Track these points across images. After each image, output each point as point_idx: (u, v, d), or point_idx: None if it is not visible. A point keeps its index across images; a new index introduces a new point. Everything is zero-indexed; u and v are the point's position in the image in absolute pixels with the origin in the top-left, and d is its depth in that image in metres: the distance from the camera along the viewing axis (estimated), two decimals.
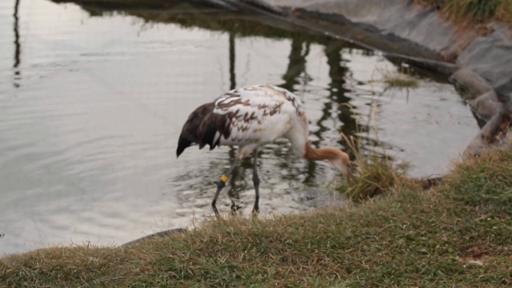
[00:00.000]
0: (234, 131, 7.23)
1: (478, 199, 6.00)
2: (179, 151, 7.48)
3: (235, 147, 8.07)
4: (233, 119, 7.21)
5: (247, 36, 13.47)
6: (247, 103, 7.24)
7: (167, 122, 9.12)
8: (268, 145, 8.69)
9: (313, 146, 7.68)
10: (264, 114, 7.23)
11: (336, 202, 6.80)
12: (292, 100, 7.33)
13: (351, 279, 4.96)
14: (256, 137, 7.28)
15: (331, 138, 9.20)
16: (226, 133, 7.23)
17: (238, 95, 7.32)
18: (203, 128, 7.25)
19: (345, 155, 7.44)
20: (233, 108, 7.23)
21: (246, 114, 7.22)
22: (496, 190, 6.09)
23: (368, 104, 10.16)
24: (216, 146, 7.35)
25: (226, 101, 7.28)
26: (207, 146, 7.39)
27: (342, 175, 7.63)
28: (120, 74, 11.05)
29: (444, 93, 10.70)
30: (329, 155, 7.50)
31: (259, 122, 7.22)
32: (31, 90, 10.33)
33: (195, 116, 7.35)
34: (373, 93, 10.40)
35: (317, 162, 8.26)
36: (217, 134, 7.25)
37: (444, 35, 12.10)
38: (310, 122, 8.61)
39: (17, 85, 10.60)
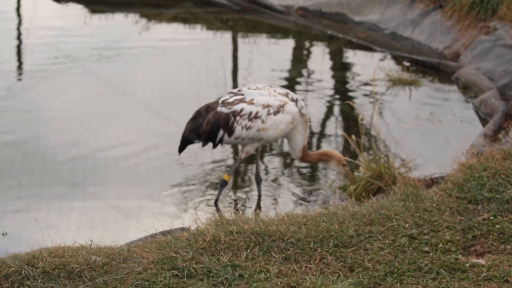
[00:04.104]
0: (238, 130, 7.23)
1: (481, 198, 6.00)
2: (181, 148, 7.49)
3: (238, 146, 8.08)
4: (237, 117, 7.22)
5: (250, 35, 13.47)
6: (251, 102, 7.25)
7: (170, 120, 9.13)
8: (270, 144, 8.70)
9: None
10: (268, 113, 7.23)
11: (339, 201, 6.81)
12: (295, 101, 7.34)
13: (354, 278, 4.96)
14: (259, 137, 7.28)
15: (334, 137, 9.20)
16: (230, 131, 7.24)
17: (242, 94, 7.32)
18: (207, 126, 7.26)
19: (339, 155, 7.47)
20: (237, 107, 7.24)
21: (250, 113, 7.23)
22: (498, 189, 6.10)
23: (371, 102, 10.15)
24: (219, 145, 7.36)
25: (230, 100, 7.29)
26: (210, 144, 7.39)
27: (340, 174, 7.64)
28: (122, 73, 11.06)
29: (446, 92, 10.69)
30: (324, 158, 7.53)
31: (263, 122, 7.23)
32: (33, 89, 10.33)
33: (199, 115, 7.36)
34: (376, 92, 10.40)
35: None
36: (221, 132, 7.26)
37: (447, 34, 12.09)
38: (311, 123, 8.60)
39: (19, 84, 10.61)
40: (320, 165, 8.27)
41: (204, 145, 7.43)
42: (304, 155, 7.50)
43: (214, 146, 7.37)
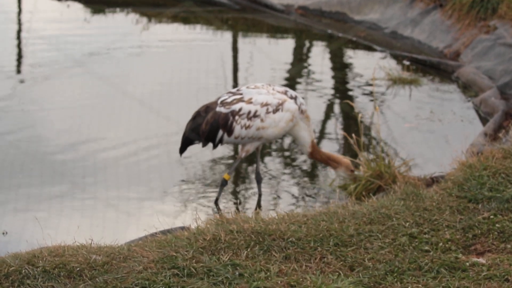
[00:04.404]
0: (237, 129, 7.24)
1: (481, 197, 6.00)
2: (182, 149, 7.50)
3: (238, 145, 8.08)
4: (236, 117, 7.22)
5: (250, 34, 13.47)
6: (249, 101, 7.25)
7: (170, 120, 9.13)
8: (270, 143, 8.69)
9: None
10: (267, 112, 7.23)
11: (339, 200, 6.81)
12: (294, 98, 7.34)
13: (354, 277, 4.96)
14: (259, 135, 7.28)
15: (334, 136, 9.19)
16: (229, 131, 7.24)
17: (241, 94, 7.33)
18: (206, 126, 7.27)
19: (348, 162, 7.46)
20: (236, 106, 7.24)
21: (249, 112, 7.23)
22: (499, 188, 6.10)
23: (371, 101, 10.15)
24: (219, 145, 7.36)
25: (229, 100, 7.30)
26: (210, 144, 7.39)
27: (347, 179, 7.63)
28: (122, 72, 11.06)
29: (447, 91, 10.69)
30: (332, 163, 7.52)
31: (262, 120, 7.23)
32: (33, 88, 10.33)
33: (198, 115, 7.37)
34: (376, 91, 10.40)
35: None
36: (220, 132, 7.26)
37: (447, 33, 12.09)
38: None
39: (19, 83, 10.61)
40: (320, 164, 8.27)
41: (204, 145, 7.44)
42: (313, 150, 7.50)
43: (214, 146, 7.38)
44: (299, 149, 7.68)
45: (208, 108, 7.35)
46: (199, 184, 7.88)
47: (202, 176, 8.05)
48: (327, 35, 13.21)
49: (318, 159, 7.58)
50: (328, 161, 7.54)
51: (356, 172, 7.54)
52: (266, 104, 7.24)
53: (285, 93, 7.36)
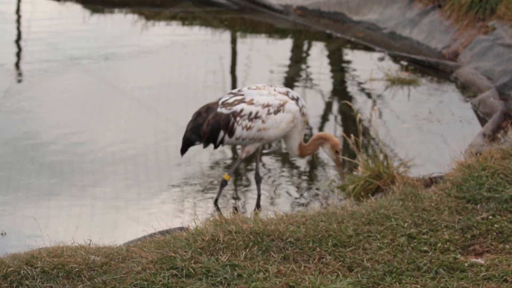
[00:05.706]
0: (239, 130, 7.23)
1: (480, 197, 6.00)
2: (183, 150, 7.49)
3: (238, 146, 8.08)
4: (237, 118, 7.22)
5: (249, 35, 13.47)
6: (251, 102, 7.25)
7: (169, 120, 9.13)
8: (269, 144, 8.69)
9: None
10: (268, 113, 7.23)
11: (338, 200, 6.81)
12: (296, 99, 7.34)
13: (353, 278, 4.96)
14: (260, 136, 7.28)
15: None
16: (231, 132, 7.24)
17: (242, 94, 7.32)
18: (207, 127, 7.26)
19: (335, 141, 7.37)
20: (237, 107, 7.24)
21: (250, 113, 7.23)
22: (497, 188, 6.10)
23: (369, 99, 10.15)
24: (220, 145, 7.36)
25: (230, 100, 7.29)
26: (211, 145, 7.39)
27: (332, 160, 7.57)
28: (121, 73, 11.06)
29: (445, 92, 10.69)
30: (320, 142, 7.46)
31: (263, 121, 7.23)
32: (31, 88, 10.33)
33: (199, 115, 7.37)
34: (374, 92, 10.40)
35: (319, 161, 8.26)
36: (221, 133, 7.26)
37: (446, 34, 12.10)
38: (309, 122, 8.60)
39: (18, 83, 10.61)
40: (319, 164, 8.27)
41: (205, 146, 7.43)
42: (301, 152, 7.49)
43: (215, 147, 7.37)
44: (288, 151, 7.63)
45: (209, 109, 7.34)
46: (198, 184, 7.88)
47: (201, 176, 8.04)
48: (326, 36, 13.21)
49: (309, 153, 7.56)
50: (317, 144, 7.46)
51: (354, 173, 7.53)
52: (267, 105, 7.24)
53: (287, 94, 7.35)
